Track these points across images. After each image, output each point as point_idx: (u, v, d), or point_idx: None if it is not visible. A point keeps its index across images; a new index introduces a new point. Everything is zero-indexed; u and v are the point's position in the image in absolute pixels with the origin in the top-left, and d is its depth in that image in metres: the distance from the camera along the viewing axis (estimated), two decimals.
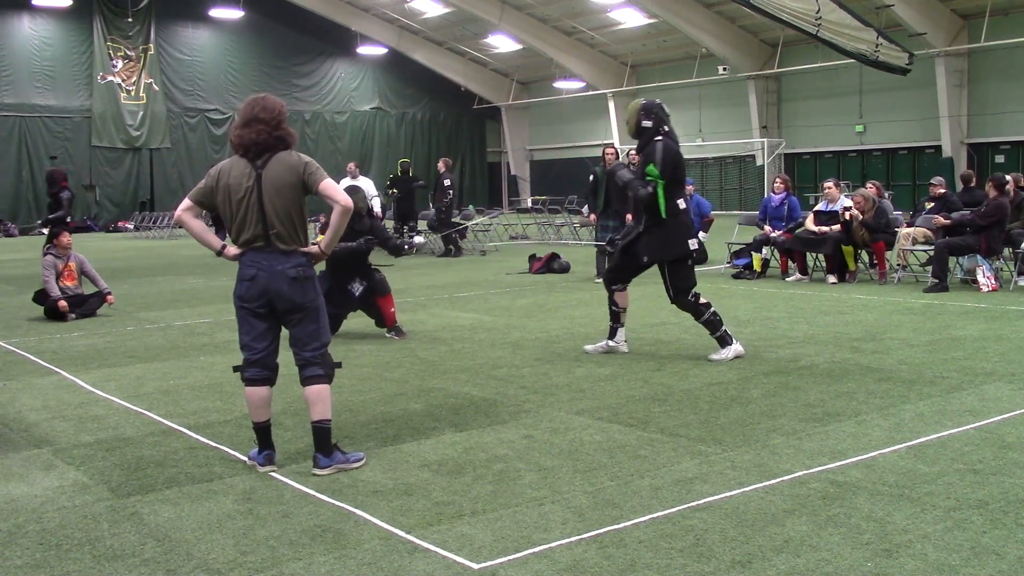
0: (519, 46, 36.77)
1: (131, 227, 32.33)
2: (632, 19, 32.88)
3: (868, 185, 13.88)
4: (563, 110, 40.82)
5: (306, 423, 5.15)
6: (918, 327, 8.85)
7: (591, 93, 37.88)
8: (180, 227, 5.01)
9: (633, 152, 7.91)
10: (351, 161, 21.70)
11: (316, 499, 4.42)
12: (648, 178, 7.33)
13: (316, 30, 37.52)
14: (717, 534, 3.87)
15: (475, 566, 3.62)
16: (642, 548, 3.74)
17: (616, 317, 7.89)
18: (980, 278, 11.35)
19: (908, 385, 6.45)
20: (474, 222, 21.49)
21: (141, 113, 35.02)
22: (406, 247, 9.91)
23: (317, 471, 4.77)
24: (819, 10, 21.34)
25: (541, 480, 4.61)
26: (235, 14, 34.55)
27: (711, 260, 15.36)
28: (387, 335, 8.94)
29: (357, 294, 8.72)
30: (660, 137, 7.39)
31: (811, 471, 4.63)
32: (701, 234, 14.42)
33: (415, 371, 7.38)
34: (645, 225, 7.51)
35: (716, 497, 4.30)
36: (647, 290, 10.86)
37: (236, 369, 4.99)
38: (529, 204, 34.21)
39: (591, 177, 13.50)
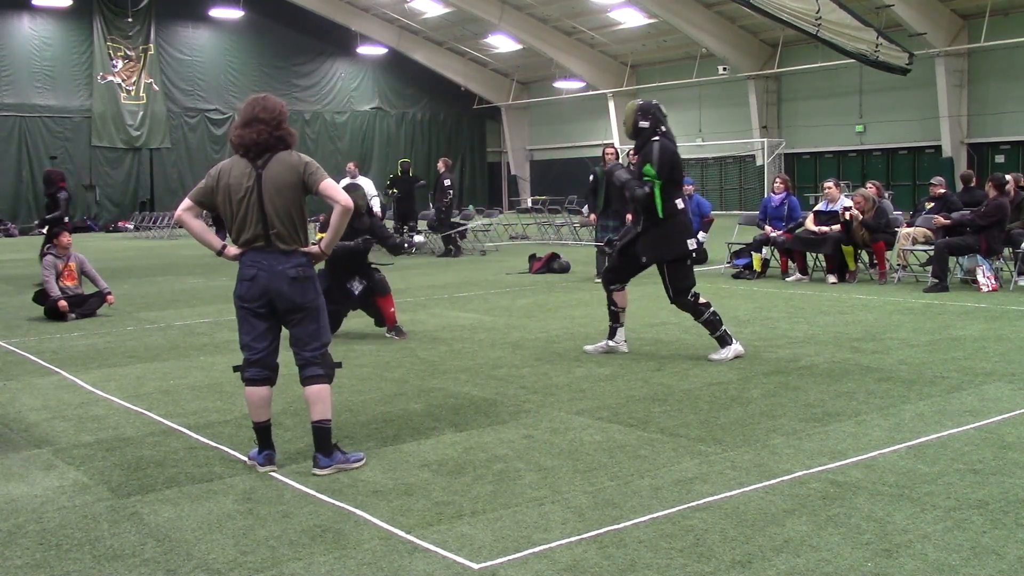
0: (519, 46, 36.78)
1: (131, 227, 32.36)
2: (632, 19, 32.89)
3: (868, 185, 13.88)
4: (563, 110, 40.83)
5: (306, 423, 5.15)
6: (918, 327, 8.85)
7: (591, 93, 37.89)
8: (180, 227, 5.01)
9: (632, 152, 7.93)
10: (351, 161, 21.70)
11: (316, 499, 4.42)
12: (645, 178, 7.35)
13: (316, 30, 37.54)
14: (717, 534, 3.87)
15: (475, 566, 3.62)
16: (642, 548, 3.74)
17: (615, 317, 7.89)
18: (980, 278, 11.36)
19: (908, 385, 6.45)
20: (474, 223, 21.49)
21: (141, 113, 35.04)
22: (406, 245, 9.91)
23: (317, 471, 4.77)
24: (819, 10, 21.34)
25: (541, 480, 4.61)
26: (235, 14, 34.58)
27: (711, 260, 15.42)
28: (387, 335, 8.94)
29: (357, 293, 8.72)
30: (657, 137, 7.41)
31: (811, 471, 4.63)
32: (701, 234, 14.44)
33: (415, 371, 7.38)
34: (643, 226, 7.52)
35: (716, 497, 4.30)
36: (647, 290, 10.86)
37: (236, 369, 4.99)
38: (529, 204, 34.22)
39: (591, 177, 13.50)
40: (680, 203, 7.49)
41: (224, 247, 4.93)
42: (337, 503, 4.35)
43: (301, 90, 38.24)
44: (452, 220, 19.17)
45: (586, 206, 14.96)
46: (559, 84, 38.86)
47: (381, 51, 38.88)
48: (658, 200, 7.35)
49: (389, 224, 18.57)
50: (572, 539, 3.85)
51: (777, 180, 14.01)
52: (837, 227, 12.42)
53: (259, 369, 4.89)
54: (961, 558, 3.58)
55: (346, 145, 39.32)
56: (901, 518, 3.99)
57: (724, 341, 7.50)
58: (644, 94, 34.40)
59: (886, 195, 15.03)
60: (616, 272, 7.86)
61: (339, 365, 5.06)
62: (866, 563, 3.55)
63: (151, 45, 35.07)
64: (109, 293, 10.91)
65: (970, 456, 4.82)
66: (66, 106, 33.70)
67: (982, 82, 28.04)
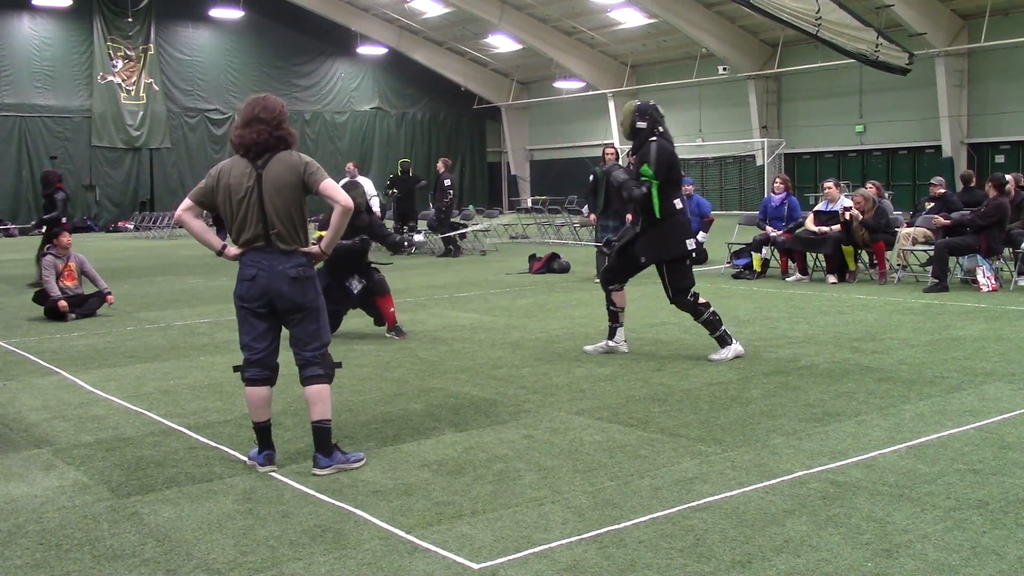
0: (519, 46, 36.77)
1: (131, 227, 32.35)
2: (632, 19, 32.88)
3: (868, 185, 13.88)
4: (563, 110, 40.83)
5: (306, 423, 5.15)
6: (918, 327, 8.85)
7: (591, 93, 37.88)
8: (180, 227, 5.01)
9: (630, 153, 7.96)
10: (351, 161, 21.70)
11: (316, 499, 4.42)
12: (643, 179, 7.36)
13: (316, 30, 37.53)
14: (717, 534, 3.87)
15: (475, 566, 3.62)
16: (642, 548, 3.74)
17: (615, 317, 7.89)
18: (980, 278, 11.36)
19: (908, 385, 6.45)
20: (473, 223, 21.48)
21: (141, 113, 35.04)
22: (405, 243, 9.90)
23: (317, 471, 4.77)
24: (819, 10, 21.34)
25: (541, 480, 4.61)
26: (235, 14, 34.57)
27: (711, 260, 15.42)
28: (387, 335, 8.94)
29: (355, 291, 8.72)
30: (654, 138, 7.43)
31: (811, 471, 4.63)
32: (701, 234, 14.44)
33: (415, 371, 7.38)
34: (642, 226, 7.53)
35: (716, 497, 4.30)
36: (647, 290, 10.86)
37: (236, 369, 4.99)
38: (529, 204, 34.21)
39: (591, 177, 13.50)
40: (679, 203, 7.50)
41: (224, 247, 4.93)
42: (337, 503, 4.35)
43: (301, 90, 38.23)
44: (452, 220, 19.16)
45: (586, 206, 14.95)
46: (559, 84, 38.85)
47: (381, 51, 38.87)
48: (655, 200, 7.36)
49: (389, 224, 18.56)
50: (572, 539, 3.85)
51: (777, 180, 14.01)
52: (837, 227, 12.42)
53: (259, 369, 4.89)
54: (961, 558, 3.58)
55: (346, 145, 39.31)
56: (901, 518, 3.99)
57: (724, 341, 7.51)
58: (644, 94, 34.41)
59: (886, 195, 15.03)
60: (614, 272, 7.87)
61: (339, 365, 5.06)
62: (866, 563, 3.55)
63: (151, 45, 35.06)
64: (109, 293, 10.91)
65: (970, 456, 4.82)
66: (66, 106, 33.69)
67: (982, 82, 28.03)
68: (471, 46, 39.32)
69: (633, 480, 4.57)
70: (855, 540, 3.77)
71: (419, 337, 8.95)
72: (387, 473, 4.77)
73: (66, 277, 10.76)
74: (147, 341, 9.11)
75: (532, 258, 15.46)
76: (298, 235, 4.82)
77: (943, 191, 13.89)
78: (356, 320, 9.32)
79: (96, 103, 34.08)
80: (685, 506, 4.19)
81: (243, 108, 4.86)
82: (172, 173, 35.56)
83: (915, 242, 12.78)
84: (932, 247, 12.09)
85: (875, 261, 12.72)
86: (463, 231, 18.25)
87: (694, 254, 7.56)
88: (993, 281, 11.36)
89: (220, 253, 4.94)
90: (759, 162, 33.00)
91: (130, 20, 34.38)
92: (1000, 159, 28.04)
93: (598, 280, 11.29)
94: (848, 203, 12.57)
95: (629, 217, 11.03)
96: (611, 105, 36.87)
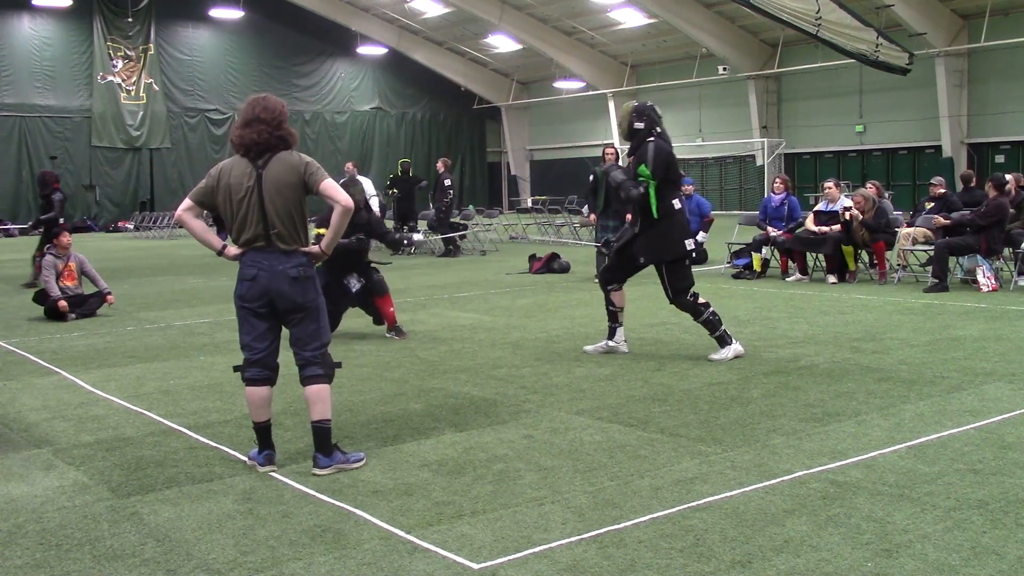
0: (519, 46, 36.77)
1: (131, 227, 32.35)
2: (632, 19, 32.88)
3: (868, 185, 13.88)
4: (563, 110, 40.82)
5: (306, 423, 5.15)
6: (918, 327, 8.85)
7: (591, 93, 37.88)
8: (180, 227, 5.01)
9: (628, 153, 7.96)
10: (350, 161, 21.70)
11: (316, 499, 4.42)
12: (640, 179, 7.36)
13: (316, 30, 37.53)
14: (717, 534, 3.87)
15: (475, 566, 3.62)
16: (642, 548, 3.74)
17: (614, 317, 7.89)
18: (980, 278, 11.36)
19: (908, 385, 6.45)
20: (473, 222, 21.48)
21: (141, 113, 35.04)
22: (405, 241, 9.90)
23: (317, 471, 4.77)
24: (819, 10, 21.34)
25: (541, 480, 4.61)
26: (235, 14, 34.57)
27: (711, 260, 15.42)
28: (387, 335, 8.94)
29: (354, 290, 8.71)
30: (652, 138, 7.43)
31: (811, 471, 4.63)
32: (701, 234, 14.44)
33: (415, 371, 7.38)
34: (640, 226, 7.53)
35: (716, 497, 4.30)
36: (646, 290, 10.86)
37: (236, 369, 4.99)
38: (529, 204, 34.21)
39: (591, 177, 13.49)
40: (677, 203, 7.50)
41: (224, 247, 4.93)
42: (337, 503, 4.35)
43: (301, 90, 38.23)
44: (452, 220, 19.16)
45: (586, 206, 14.95)
46: (559, 84, 38.84)
47: (381, 51, 38.87)
48: (652, 200, 7.36)
49: (389, 224, 18.56)
50: (572, 539, 3.85)
51: (777, 180, 14.02)
52: (837, 227, 12.42)
53: (259, 369, 4.89)
54: (961, 558, 3.58)
55: (346, 145, 39.31)
56: (901, 518, 3.99)
57: (724, 341, 7.51)
58: (644, 94, 34.44)
59: (886, 195, 15.03)
60: (613, 272, 7.87)
61: (339, 365, 5.06)
62: (866, 563, 3.55)
63: (151, 45, 35.06)
64: (109, 293, 10.91)
65: (970, 456, 4.82)
66: (66, 106, 33.69)
67: (982, 82, 28.03)
68: (471, 46, 39.32)
69: (633, 480, 4.57)
70: (855, 540, 3.77)
71: (419, 337, 8.95)
72: (387, 473, 4.77)
73: (66, 277, 10.76)
74: (147, 341, 9.11)
75: (532, 258, 15.46)
76: (298, 235, 4.82)
77: (943, 191, 13.89)
78: (356, 320, 9.32)
79: (96, 103, 34.08)
80: (685, 506, 4.19)
81: (243, 108, 4.86)
82: (172, 173, 35.56)
83: (915, 242, 12.78)
84: (932, 247, 12.09)
85: (875, 261, 12.72)
86: (463, 232, 18.25)
87: (693, 254, 7.57)
88: (993, 281, 11.36)
89: (220, 253, 4.94)
90: (759, 162, 32.99)
91: (130, 20, 34.39)
92: (1000, 159, 28.04)
93: (598, 280, 11.31)
94: (848, 203, 12.57)
95: (629, 217, 11.05)
96: (611, 105, 36.86)
